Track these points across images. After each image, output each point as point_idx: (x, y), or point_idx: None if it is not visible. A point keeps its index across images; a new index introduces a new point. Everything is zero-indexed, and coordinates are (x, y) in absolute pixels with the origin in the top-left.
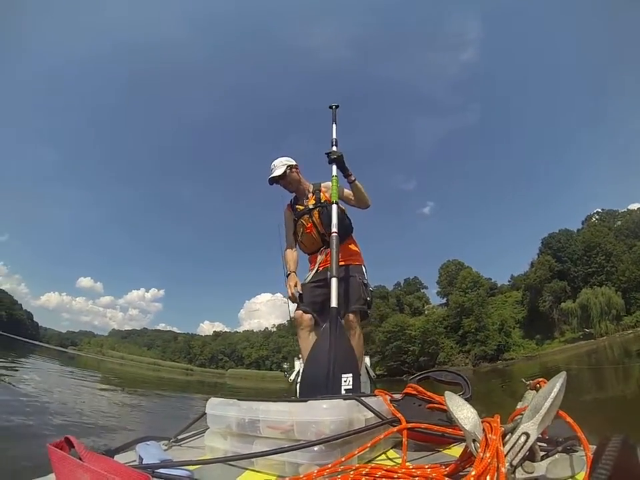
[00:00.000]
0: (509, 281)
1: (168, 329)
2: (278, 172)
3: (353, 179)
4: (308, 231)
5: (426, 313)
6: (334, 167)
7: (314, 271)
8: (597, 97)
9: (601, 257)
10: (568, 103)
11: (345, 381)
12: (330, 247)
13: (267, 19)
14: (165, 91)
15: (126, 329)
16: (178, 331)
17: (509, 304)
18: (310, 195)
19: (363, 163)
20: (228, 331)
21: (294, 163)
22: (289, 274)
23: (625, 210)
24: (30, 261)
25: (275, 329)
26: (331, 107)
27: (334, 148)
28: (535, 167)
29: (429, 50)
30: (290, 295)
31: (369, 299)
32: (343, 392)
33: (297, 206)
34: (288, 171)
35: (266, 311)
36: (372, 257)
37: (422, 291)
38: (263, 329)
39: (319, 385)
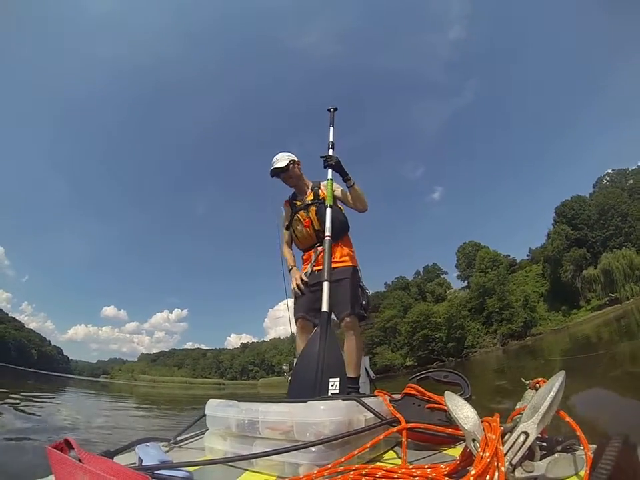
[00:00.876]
0: (528, 255)
1: (196, 347)
2: (280, 164)
3: (352, 183)
4: (306, 226)
5: (448, 298)
6: (329, 171)
7: (309, 272)
8: (593, 55)
9: (617, 219)
10: (562, 65)
11: (332, 385)
12: (323, 251)
13: (256, 27)
14: (166, 110)
15: (154, 352)
16: (206, 348)
17: (530, 278)
18: (309, 192)
19: (368, 156)
20: (255, 341)
21: (296, 159)
22: (291, 268)
23: (636, 167)
24: (53, 298)
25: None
26: (329, 110)
27: (330, 151)
28: (540, 136)
29: (417, 33)
30: (294, 286)
31: (364, 302)
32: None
33: (295, 201)
34: (290, 165)
35: (290, 316)
36: (386, 249)
37: (442, 276)
38: (289, 335)
39: (307, 388)
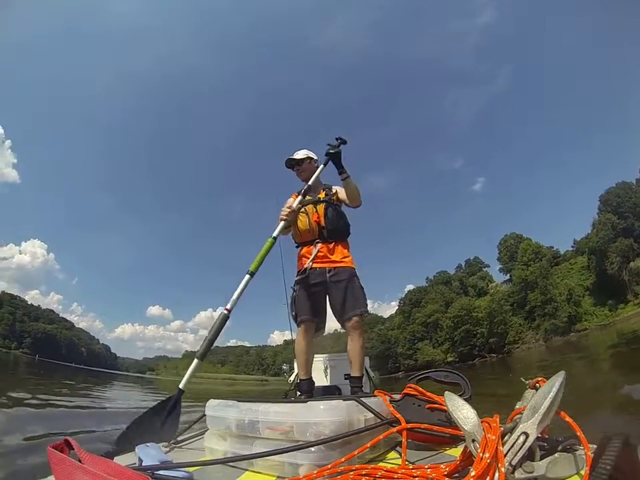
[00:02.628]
0: (572, 247)
1: (239, 344)
2: (298, 156)
3: (346, 176)
4: (315, 220)
5: (490, 292)
6: (329, 163)
7: (308, 268)
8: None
9: None
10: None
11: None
12: (323, 247)
13: (282, 27)
14: (199, 117)
15: (198, 349)
16: (249, 345)
17: (574, 271)
18: (320, 190)
19: (404, 149)
20: None
21: (315, 157)
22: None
23: None
24: (101, 298)
25: (343, 330)
26: (337, 140)
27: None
28: (582, 121)
29: (445, 20)
30: (288, 206)
31: (367, 302)
32: None
33: (306, 197)
34: (307, 160)
35: (291, 316)
36: (427, 243)
37: (484, 270)
38: (332, 331)
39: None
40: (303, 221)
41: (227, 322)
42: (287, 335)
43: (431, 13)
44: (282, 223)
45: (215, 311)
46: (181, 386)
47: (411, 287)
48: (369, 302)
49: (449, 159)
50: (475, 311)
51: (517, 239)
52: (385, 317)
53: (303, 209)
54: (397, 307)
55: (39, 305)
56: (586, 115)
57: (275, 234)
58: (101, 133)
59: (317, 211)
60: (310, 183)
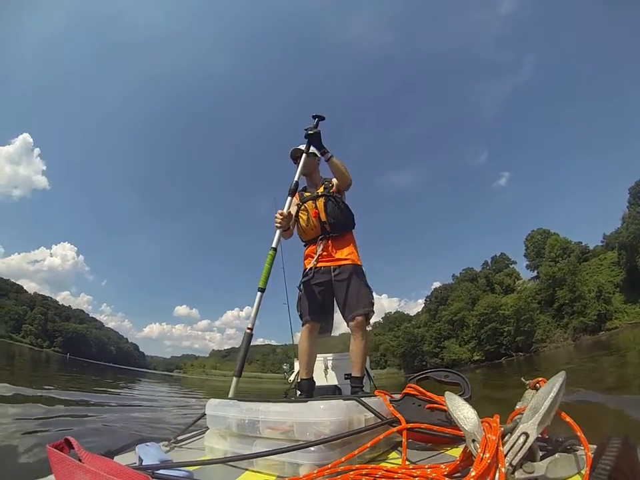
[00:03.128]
0: (602, 242)
1: (266, 343)
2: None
3: (330, 156)
4: (313, 216)
5: (517, 289)
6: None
7: (313, 267)
8: None
9: None
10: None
11: None
12: (327, 245)
13: (303, 27)
14: (225, 117)
15: (225, 348)
16: (276, 344)
17: (604, 267)
18: (320, 184)
19: (427, 144)
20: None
21: (319, 155)
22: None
23: None
24: (129, 299)
25: (370, 328)
26: (314, 118)
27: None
28: (609, 110)
29: (465, 11)
30: (280, 212)
31: (373, 301)
32: None
33: (304, 192)
34: (311, 155)
35: (290, 316)
36: (453, 240)
37: (511, 266)
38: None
39: None
40: (303, 219)
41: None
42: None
43: (451, 3)
44: (277, 232)
45: (242, 310)
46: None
47: (437, 284)
48: (395, 300)
49: (474, 154)
50: (501, 309)
51: (544, 234)
52: (412, 314)
53: (303, 207)
54: (424, 305)
55: (70, 306)
56: (616, 106)
57: (273, 244)
58: (127, 136)
59: (316, 207)
60: (296, 178)
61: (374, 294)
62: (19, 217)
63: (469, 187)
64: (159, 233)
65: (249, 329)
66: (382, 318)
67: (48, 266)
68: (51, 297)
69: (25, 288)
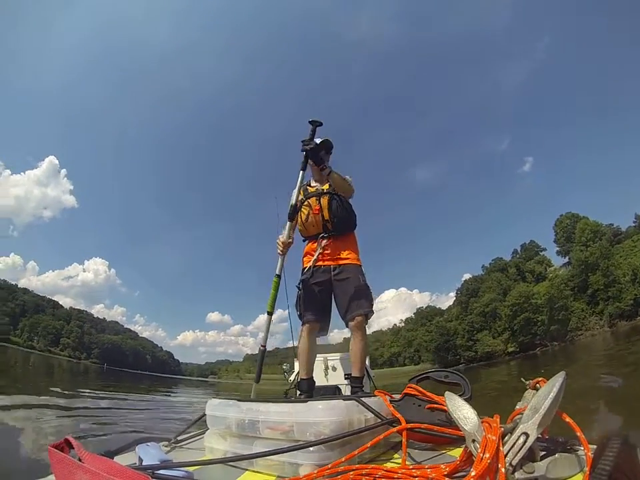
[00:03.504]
0: (634, 222)
1: (337, 333)
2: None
3: (328, 171)
4: (315, 212)
5: (549, 277)
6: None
7: (311, 266)
8: None
9: None
10: None
11: None
12: (328, 244)
13: (307, 29)
14: (241, 124)
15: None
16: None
17: (638, 249)
18: (326, 180)
19: (446, 137)
20: None
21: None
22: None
23: None
24: (162, 308)
25: (402, 324)
26: (311, 124)
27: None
28: (636, 87)
29: None
30: (282, 241)
31: (373, 302)
32: None
33: (309, 187)
34: (323, 152)
35: (392, 307)
36: (480, 230)
37: (541, 253)
38: (391, 326)
39: None
40: (305, 214)
41: (265, 354)
42: (347, 333)
43: None
44: (280, 259)
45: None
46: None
47: (467, 275)
48: (426, 294)
49: (495, 140)
50: (533, 298)
51: (572, 218)
52: (444, 308)
53: (306, 202)
54: (455, 298)
55: (104, 318)
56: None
57: (277, 271)
58: (146, 150)
59: (319, 204)
60: (292, 201)
61: (373, 295)
62: (51, 236)
63: (493, 175)
64: (184, 241)
65: (262, 346)
66: (414, 313)
67: (81, 281)
68: (86, 311)
69: (60, 303)
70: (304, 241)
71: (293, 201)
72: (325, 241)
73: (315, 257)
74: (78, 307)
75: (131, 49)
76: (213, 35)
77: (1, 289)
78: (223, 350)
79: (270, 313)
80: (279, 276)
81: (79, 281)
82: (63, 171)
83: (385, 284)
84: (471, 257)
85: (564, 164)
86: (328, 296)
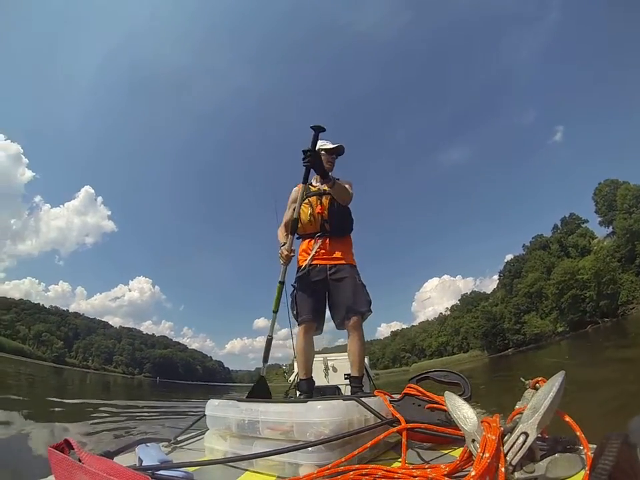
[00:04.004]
0: None
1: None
2: (330, 145)
3: (332, 184)
4: (318, 212)
5: (594, 250)
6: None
7: (307, 264)
8: None
9: None
10: None
11: None
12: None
13: (318, 23)
14: (267, 130)
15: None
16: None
17: None
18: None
19: (470, 118)
20: (405, 327)
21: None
22: (283, 245)
23: None
24: (208, 320)
25: (448, 312)
26: (313, 128)
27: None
28: None
29: None
30: (285, 254)
31: (370, 300)
32: None
33: (311, 186)
34: (335, 155)
35: (437, 296)
36: (516, 209)
37: (583, 226)
38: (437, 316)
39: None
40: (305, 212)
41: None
42: (394, 326)
43: None
44: (282, 267)
45: None
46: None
47: (510, 256)
48: (470, 280)
49: (521, 114)
50: (579, 273)
51: (612, 185)
52: (488, 292)
53: (306, 200)
54: (498, 281)
55: (153, 333)
56: None
57: (280, 278)
58: (179, 168)
59: (321, 204)
60: (295, 214)
61: (370, 295)
62: (95, 260)
63: (524, 150)
64: (224, 252)
65: (269, 336)
66: (459, 300)
67: (128, 300)
68: (135, 328)
69: (110, 323)
70: (298, 238)
71: (296, 215)
72: (321, 240)
73: (311, 255)
74: (127, 326)
75: (152, 67)
76: (216, 53)
77: (54, 315)
78: (272, 354)
79: (275, 312)
80: (282, 282)
81: (125, 301)
82: (99, 199)
83: (427, 273)
84: (512, 237)
85: (597, 128)
86: (324, 295)
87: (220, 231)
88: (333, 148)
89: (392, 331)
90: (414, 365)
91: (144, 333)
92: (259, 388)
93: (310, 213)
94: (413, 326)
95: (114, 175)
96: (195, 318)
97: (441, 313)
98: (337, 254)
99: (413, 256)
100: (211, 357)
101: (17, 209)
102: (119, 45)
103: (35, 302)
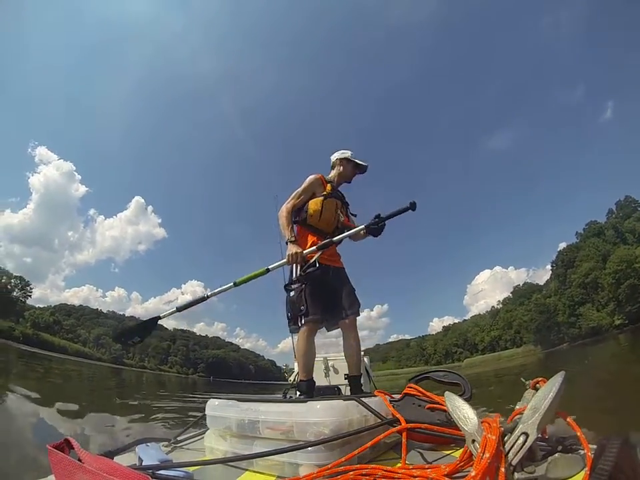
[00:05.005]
0: None
1: (399, 338)
2: (363, 163)
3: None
4: (345, 221)
5: None
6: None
7: (318, 260)
8: None
9: None
10: None
11: None
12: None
13: (352, 20)
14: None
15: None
16: (409, 337)
17: None
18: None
19: (517, 98)
20: (457, 321)
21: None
22: (293, 240)
23: None
24: (260, 319)
25: (500, 305)
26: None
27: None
28: None
29: None
30: (298, 260)
31: (360, 304)
32: None
33: (335, 188)
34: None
35: (489, 288)
36: (567, 193)
37: None
38: (489, 309)
39: None
40: (330, 210)
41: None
42: (446, 321)
43: None
44: (283, 262)
45: (372, 310)
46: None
47: (563, 245)
48: (522, 270)
49: (567, 92)
50: (637, 261)
51: None
52: (542, 283)
53: (333, 200)
54: (551, 271)
55: (207, 335)
56: None
57: (270, 267)
58: (223, 174)
59: (343, 212)
60: (340, 237)
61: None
62: (148, 266)
63: (572, 130)
64: (269, 253)
65: (207, 295)
66: (511, 293)
67: (181, 303)
68: (188, 330)
69: (165, 326)
70: (308, 228)
71: (335, 240)
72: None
73: (318, 255)
74: (181, 328)
75: (186, 77)
76: (247, 59)
77: (111, 319)
78: (324, 352)
79: (236, 284)
80: (268, 270)
81: (179, 304)
82: (150, 208)
83: (478, 265)
84: (565, 224)
85: None
86: (326, 295)
87: (266, 230)
88: (365, 166)
89: (444, 326)
90: (466, 361)
91: (197, 334)
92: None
93: (336, 211)
94: (465, 320)
95: (160, 183)
96: (246, 318)
97: (493, 306)
98: (337, 257)
99: (464, 248)
100: (263, 356)
101: (74, 222)
102: (154, 56)
103: (94, 307)
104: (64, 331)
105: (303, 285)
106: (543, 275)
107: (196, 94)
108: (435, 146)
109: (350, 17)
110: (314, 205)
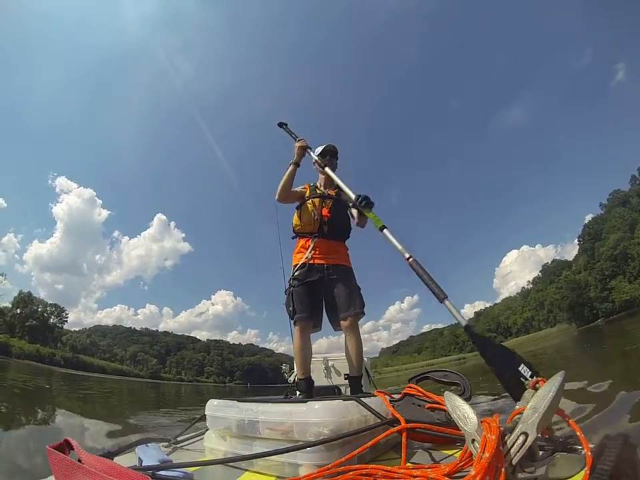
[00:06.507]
0: None
1: (432, 328)
2: (321, 149)
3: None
4: (325, 215)
5: None
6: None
7: (306, 262)
8: None
9: None
10: None
11: None
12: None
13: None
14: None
15: (394, 343)
16: (442, 326)
17: None
18: (331, 190)
19: (522, 72)
20: (488, 306)
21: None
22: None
23: None
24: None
25: (530, 285)
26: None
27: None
28: None
29: None
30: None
31: (364, 303)
32: None
33: (317, 188)
34: (337, 158)
35: (517, 269)
36: (587, 161)
37: None
38: (520, 290)
39: None
40: (308, 210)
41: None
42: (477, 306)
43: None
44: (299, 151)
45: (403, 302)
46: None
47: (590, 217)
48: (550, 247)
49: (576, 56)
50: None
51: None
52: (570, 259)
53: (310, 200)
54: (578, 246)
55: (240, 343)
56: None
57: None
58: (247, 174)
59: (324, 206)
60: (333, 177)
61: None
62: (177, 281)
63: (585, 96)
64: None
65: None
66: (540, 271)
67: (212, 314)
68: (222, 339)
69: (198, 337)
70: (294, 237)
71: (334, 177)
72: (317, 240)
73: (308, 253)
74: (214, 338)
75: (197, 90)
76: (280, 66)
77: (145, 336)
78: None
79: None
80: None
81: (210, 315)
82: (172, 223)
83: (505, 246)
84: (589, 195)
85: None
86: (320, 294)
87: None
88: (334, 151)
89: (475, 312)
90: None
91: (231, 343)
92: None
93: (313, 211)
94: (496, 304)
95: (180, 199)
96: (278, 323)
97: (524, 287)
98: (334, 255)
99: (489, 232)
100: None
101: (100, 246)
102: (162, 73)
103: (127, 326)
104: (101, 352)
105: (292, 287)
106: (571, 250)
107: (207, 109)
108: (451, 130)
109: (350, 6)
110: (295, 216)
